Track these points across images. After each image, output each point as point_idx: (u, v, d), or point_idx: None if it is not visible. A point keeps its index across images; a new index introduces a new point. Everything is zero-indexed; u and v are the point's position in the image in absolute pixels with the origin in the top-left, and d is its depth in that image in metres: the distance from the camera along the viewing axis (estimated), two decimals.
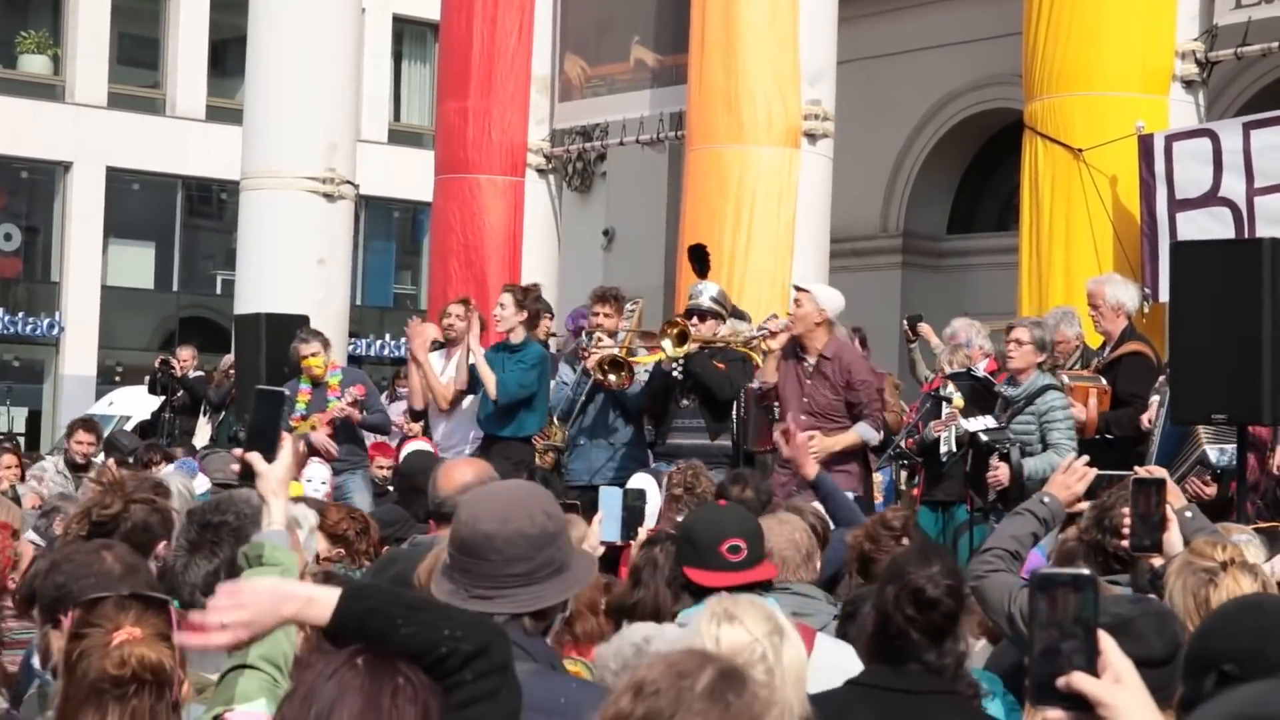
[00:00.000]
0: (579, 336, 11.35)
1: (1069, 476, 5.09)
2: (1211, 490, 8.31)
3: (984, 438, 8.88)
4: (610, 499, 6.52)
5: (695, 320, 9.87)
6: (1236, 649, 2.64)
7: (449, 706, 2.56)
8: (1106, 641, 2.05)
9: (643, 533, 6.31)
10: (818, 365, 9.23)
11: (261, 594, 2.70)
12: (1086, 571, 2.09)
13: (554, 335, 12.59)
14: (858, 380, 9.21)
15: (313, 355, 11.31)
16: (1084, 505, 5.13)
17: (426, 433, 11.47)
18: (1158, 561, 4.40)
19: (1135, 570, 4.43)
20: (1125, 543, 4.50)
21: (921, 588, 3.62)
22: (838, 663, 4.24)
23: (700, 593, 4.65)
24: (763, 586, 4.79)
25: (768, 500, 6.89)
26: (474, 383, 10.66)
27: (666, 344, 9.64)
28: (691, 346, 9.63)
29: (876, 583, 3.84)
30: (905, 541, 5.45)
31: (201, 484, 10.01)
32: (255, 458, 3.31)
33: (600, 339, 10.19)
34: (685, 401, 9.75)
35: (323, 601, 2.63)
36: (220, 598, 2.71)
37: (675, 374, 9.66)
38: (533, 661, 3.18)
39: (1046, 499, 5.04)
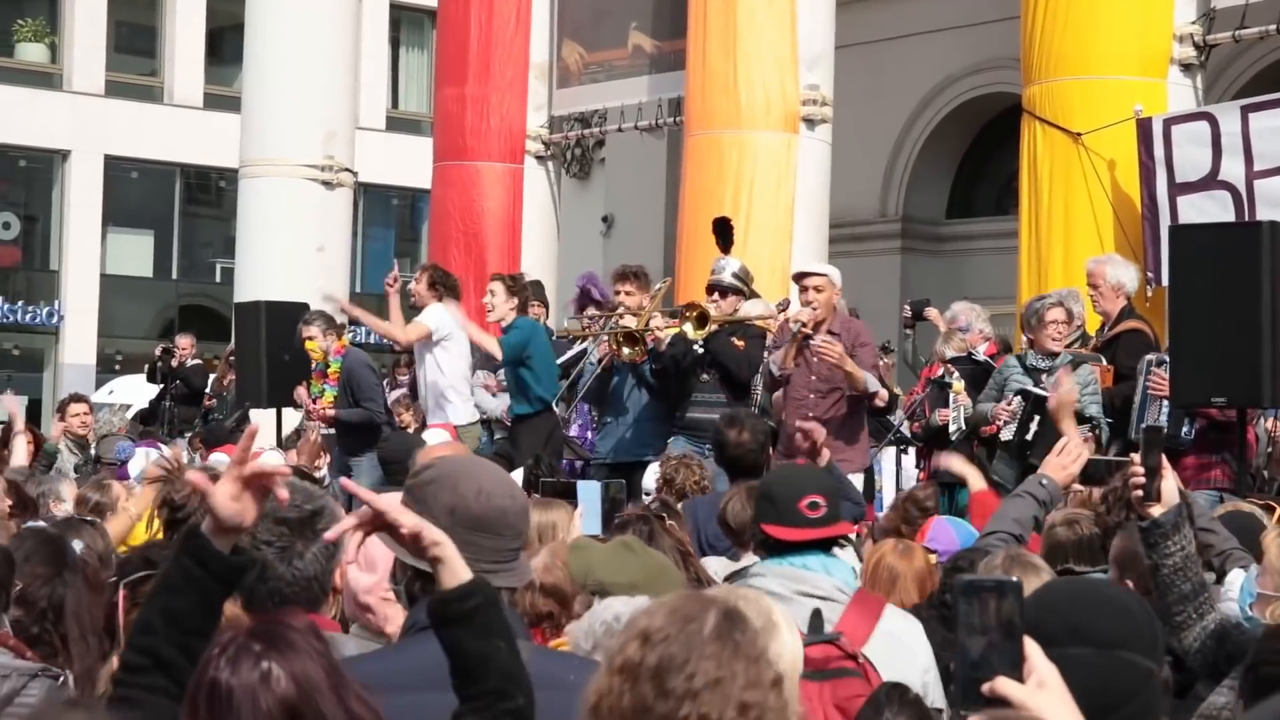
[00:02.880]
0: (583, 304, 11.42)
1: (1064, 458, 5.10)
2: None
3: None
4: (588, 493, 6.39)
5: (716, 296, 9.85)
6: None
7: None
8: (1031, 647, 2.06)
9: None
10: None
11: (423, 527, 2.78)
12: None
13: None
14: (859, 344, 9.06)
15: (309, 339, 11.31)
16: (1079, 487, 5.12)
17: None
18: (1155, 510, 4.33)
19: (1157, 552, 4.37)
20: (1139, 491, 4.41)
21: None
22: (900, 633, 4.45)
23: (779, 549, 4.63)
24: (835, 542, 4.80)
25: (764, 443, 6.80)
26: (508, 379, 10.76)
27: (688, 328, 9.64)
28: (712, 328, 9.62)
29: None
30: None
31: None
32: None
33: (622, 315, 10.21)
34: (705, 376, 9.77)
35: (454, 571, 2.74)
36: (402, 505, 2.86)
37: (696, 348, 9.66)
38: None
39: (1045, 481, 5.05)
